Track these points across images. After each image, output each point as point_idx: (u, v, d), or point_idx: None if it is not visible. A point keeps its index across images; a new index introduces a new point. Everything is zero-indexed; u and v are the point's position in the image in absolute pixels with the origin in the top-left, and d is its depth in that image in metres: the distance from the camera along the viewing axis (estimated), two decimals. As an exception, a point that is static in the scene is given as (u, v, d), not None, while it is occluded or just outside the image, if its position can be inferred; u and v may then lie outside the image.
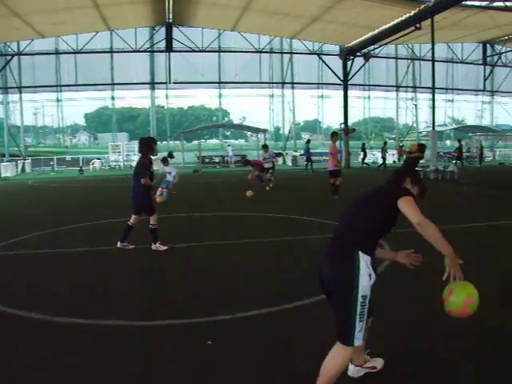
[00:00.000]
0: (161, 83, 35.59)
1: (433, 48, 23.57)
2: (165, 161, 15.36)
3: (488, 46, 37.11)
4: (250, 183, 17.19)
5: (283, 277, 6.42)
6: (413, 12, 24.58)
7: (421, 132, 42.23)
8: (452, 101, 42.23)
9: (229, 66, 36.34)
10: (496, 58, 37.13)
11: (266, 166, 17.84)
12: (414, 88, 39.31)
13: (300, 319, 4.87)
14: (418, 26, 24.62)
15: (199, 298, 5.60)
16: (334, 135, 14.85)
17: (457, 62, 36.80)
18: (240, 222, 11.22)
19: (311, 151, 30.34)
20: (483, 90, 38.78)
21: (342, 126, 33.42)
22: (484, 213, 11.89)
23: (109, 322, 4.80)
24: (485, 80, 37.63)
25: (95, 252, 8.15)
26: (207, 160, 35.22)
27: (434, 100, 23.75)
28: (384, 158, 31.51)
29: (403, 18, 25.54)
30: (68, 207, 14.52)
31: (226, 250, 8.24)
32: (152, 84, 35.95)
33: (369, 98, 40.53)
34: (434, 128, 23.78)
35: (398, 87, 39.52)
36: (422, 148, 15.92)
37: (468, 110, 44.48)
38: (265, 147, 18.87)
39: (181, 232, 9.92)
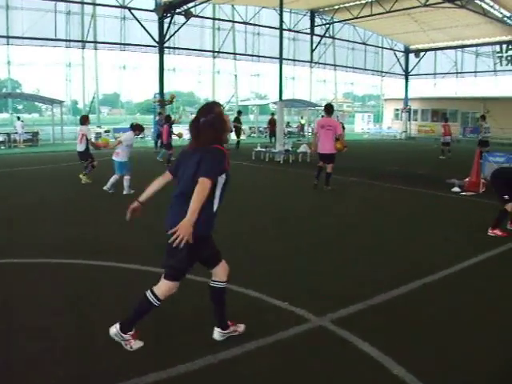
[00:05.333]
0: None
1: (281, 7, 19.34)
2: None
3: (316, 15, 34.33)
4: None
5: None
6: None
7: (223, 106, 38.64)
8: (258, 75, 38.83)
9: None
10: (324, 28, 34.72)
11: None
12: (235, 55, 34.69)
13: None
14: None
15: None
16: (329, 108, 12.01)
17: (285, 30, 32.88)
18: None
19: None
20: (311, 62, 35.99)
21: (157, 96, 28.13)
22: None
23: None
24: (312, 51, 34.86)
25: None
26: (-12, 138, 26.71)
27: (281, 71, 19.70)
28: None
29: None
30: None
31: None
32: None
33: (174, 70, 34.67)
34: (281, 99, 19.82)
35: (216, 52, 34.27)
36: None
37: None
38: None
39: None
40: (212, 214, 3.89)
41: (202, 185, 3.64)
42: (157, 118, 26.42)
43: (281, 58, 19.57)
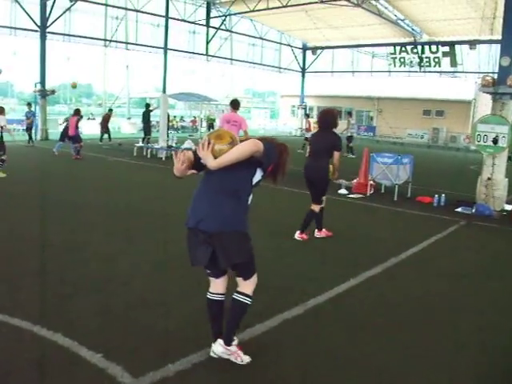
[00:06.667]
0: None
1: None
2: None
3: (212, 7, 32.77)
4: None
5: None
6: None
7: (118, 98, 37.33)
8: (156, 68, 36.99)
9: None
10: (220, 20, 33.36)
11: None
12: (127, 45, 32.38)
13: None
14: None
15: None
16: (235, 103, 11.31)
17: (177, 20, 31.10)
18: None
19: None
20: (206, 55, 34.40)
21: (38, 86, 25.73)
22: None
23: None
24: (207, 43, 33.34)
25: None
26: None
27: (165, 61, 18.43)
28: None
29: None
30: None
31: None
32: None
33: (68, 59, 32.04)
34: (164, 91, 18.47)
35: (108, 41, 31.46)
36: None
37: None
38: None
39: None
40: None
41: (253, 142, 3.38)
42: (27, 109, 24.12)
43: (165, 48, 18.33)
